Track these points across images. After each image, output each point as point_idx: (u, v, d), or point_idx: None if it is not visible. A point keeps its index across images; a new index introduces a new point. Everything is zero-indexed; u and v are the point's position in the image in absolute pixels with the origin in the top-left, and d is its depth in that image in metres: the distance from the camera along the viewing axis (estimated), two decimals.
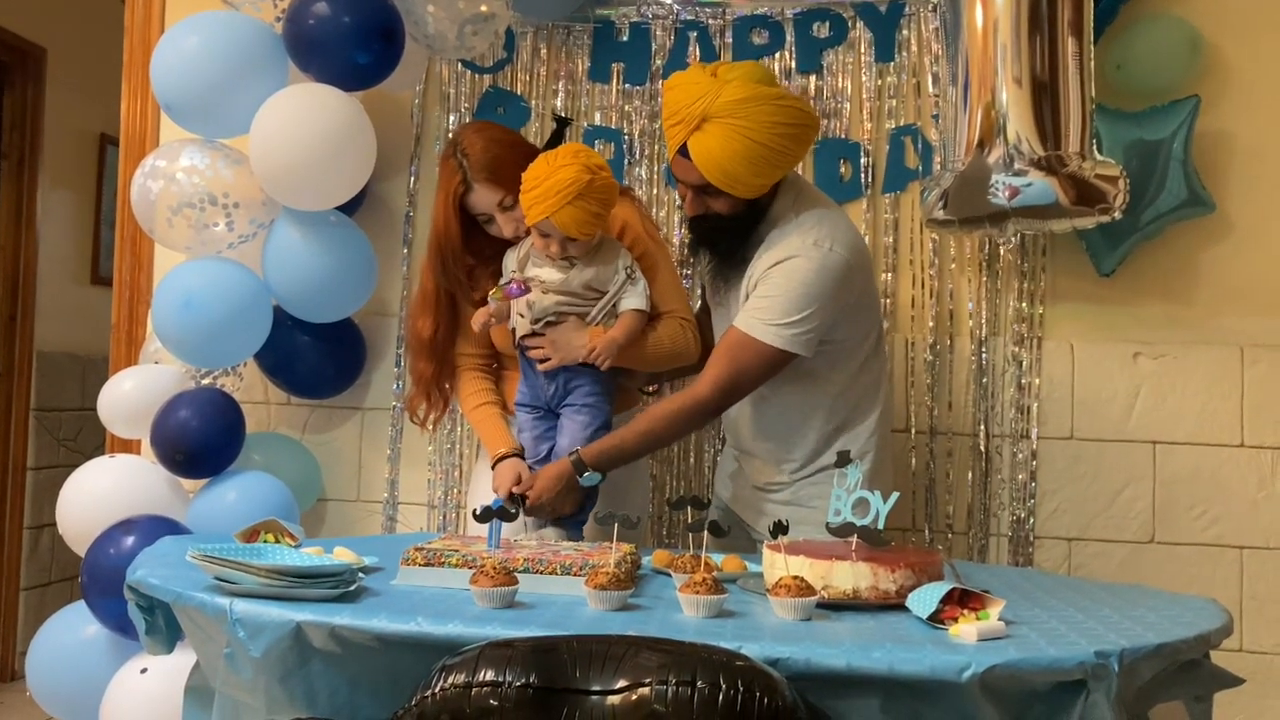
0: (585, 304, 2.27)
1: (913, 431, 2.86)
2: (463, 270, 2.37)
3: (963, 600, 1.64)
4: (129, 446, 2.97)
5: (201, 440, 2.58)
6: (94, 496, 2.61)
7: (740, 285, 2.24)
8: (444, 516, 3.01)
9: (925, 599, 1.64)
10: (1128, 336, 2.81)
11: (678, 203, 2.84)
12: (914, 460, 2.85)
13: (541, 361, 2.26)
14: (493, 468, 2.31)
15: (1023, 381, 2.84)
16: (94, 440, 4.36)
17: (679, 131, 2.13)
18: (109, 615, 2.52)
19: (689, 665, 1.31)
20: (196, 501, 2.66)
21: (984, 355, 2.85)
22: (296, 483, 2.81)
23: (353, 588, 1.68)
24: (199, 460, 2.60)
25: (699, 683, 1.29)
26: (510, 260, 2.32)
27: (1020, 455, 2.83)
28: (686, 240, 2.37)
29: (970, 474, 2.84)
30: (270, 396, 3.05)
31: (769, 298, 2.14)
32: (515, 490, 2.22)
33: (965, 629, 1.54)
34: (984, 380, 2.85)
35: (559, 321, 2.25)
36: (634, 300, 2.28)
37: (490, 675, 1.32)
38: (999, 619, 1.58)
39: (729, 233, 2.22)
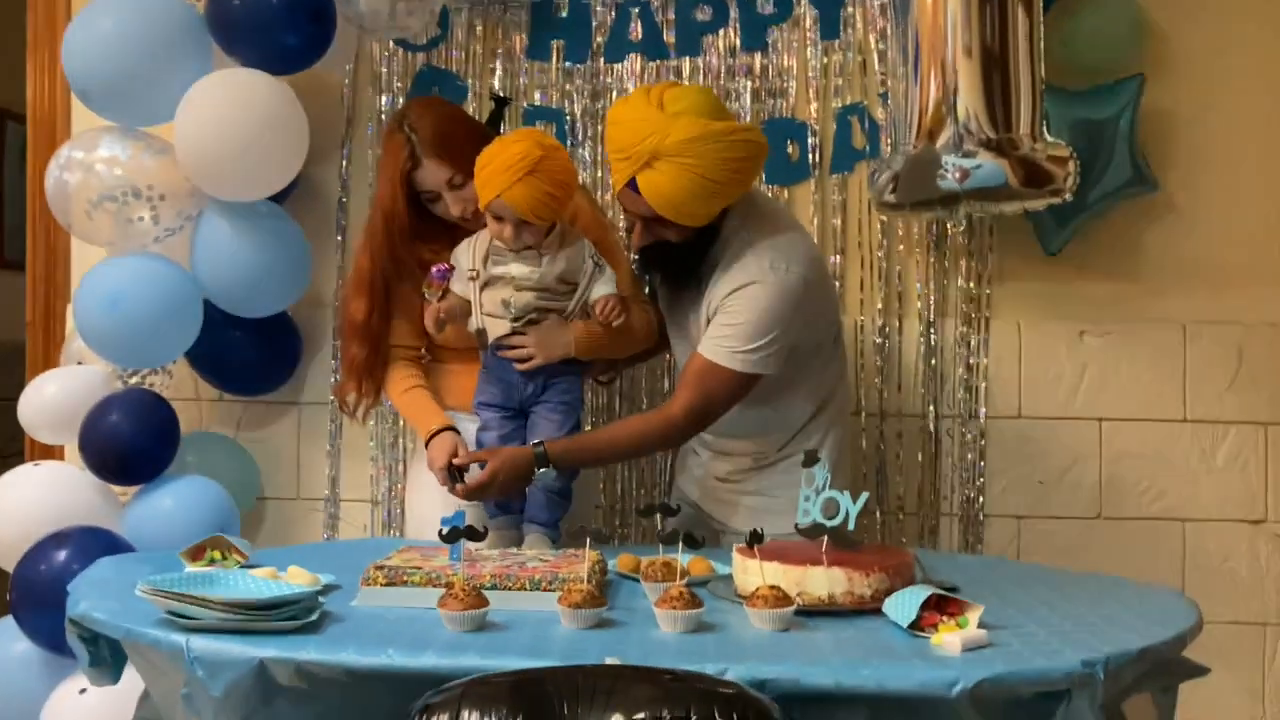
0: (561, 299, 2.21)
1: (863, 414, 2.84)
2: (413, 258, 2.30)
3: (940, 606, 1.63)
4: (50, 452, 2.82)
5: (135, 445, 2.45)
6: (20, 508, 2.46)
7: (694, 304, 2.23)
8: (388, 512, 2.93)
9: (903, 606, 1.63)
10: (1073, 315, 2.83)
11: None
12: (864, 442, 2.84)
13: (521, 361, 2.20)
14: (426, 444, 2.25)
15: (971, 362, 2.84)
16: (5, 432, 4.15)
17: (626, 168, 2.08)
18: (42, 633, 2.39)
19: (681, 698, 1.28)
20: (131, 510, 2.53)
21: (932, 336, 2.84)
22: (234, 483, 2.69)
23: (315, 616, 1.60)
24: (133, 467, 2.48)
25: (693, 717, 1.26)
26: (464, 255, 2.23)
27: (969, 435, 2.84)
28: (635, 260, 2.33)
29: (920, 455, 2.84)
30: (201, 393, 2.91)
31: (732, 325, 2.12)
32: (455, 462, 2.18)
33: (948, 639, 1.52)
34: (933, 361, 2.84)
35: (539, 320, 2.19)
36: (606, 288, 2.22)
37: (475, 717, 1.27)
38: (979, 625, 1.57)
39: (680, 259, 2.21)
